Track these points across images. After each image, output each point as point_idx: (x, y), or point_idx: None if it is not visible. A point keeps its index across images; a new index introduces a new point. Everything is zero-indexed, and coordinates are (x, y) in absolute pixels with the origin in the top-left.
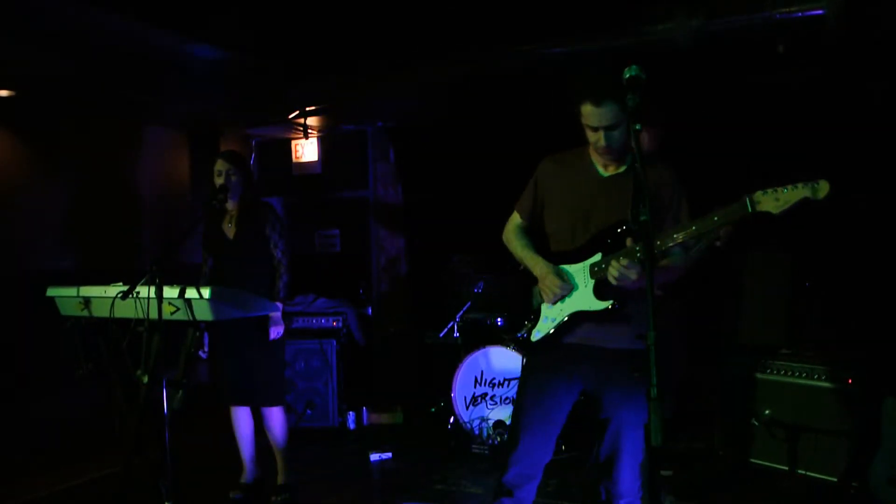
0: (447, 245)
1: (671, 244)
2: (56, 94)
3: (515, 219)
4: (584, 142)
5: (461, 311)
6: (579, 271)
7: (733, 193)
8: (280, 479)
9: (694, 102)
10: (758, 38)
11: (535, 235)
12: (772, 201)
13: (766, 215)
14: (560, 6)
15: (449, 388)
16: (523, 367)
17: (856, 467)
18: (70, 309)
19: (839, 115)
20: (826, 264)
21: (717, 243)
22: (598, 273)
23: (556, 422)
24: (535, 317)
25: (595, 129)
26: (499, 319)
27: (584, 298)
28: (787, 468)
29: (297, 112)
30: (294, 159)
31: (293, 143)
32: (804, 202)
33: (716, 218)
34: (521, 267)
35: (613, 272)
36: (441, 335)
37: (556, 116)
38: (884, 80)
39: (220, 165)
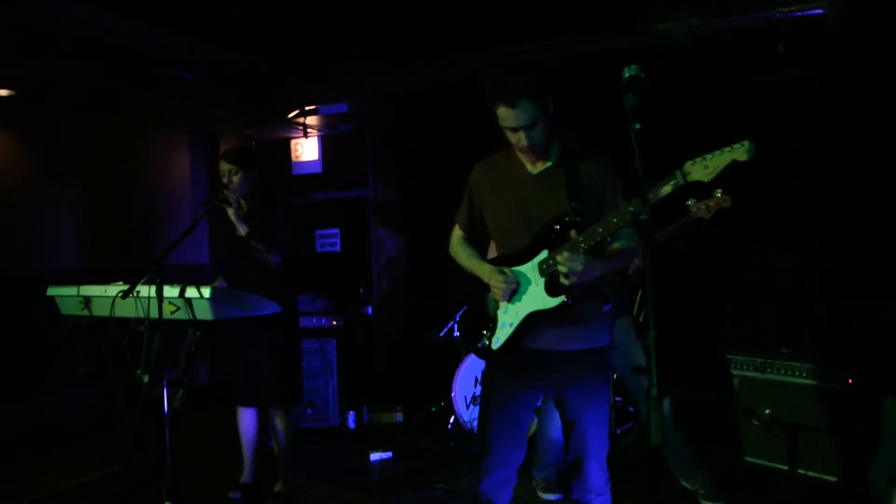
0: (447, 245)
1: (612, 229)
2: (56, 94)
3: (457, 232)
4: (583, 140)
5: (461, 311)
6: (529, 271)
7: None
8: (280, 481)
9: (693, 102)
10: (758, 37)
11: (480, 244)
12: (701, 170)
13: (699, 184)
14: (560, 6)
15: (449, 388)
16: (484, 374)
17: (856, 467)
18: (70, 308)
19: (839, 115)
20: (826, 264)
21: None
22: (546, 270)
23: (524, 424)
24: (492, 324)
25: (514, 130)
26: None
27: (537, 297)
28: (786, 468)
29: (297, 112)
30: (294, 159)
31: (293, 142)
32: (733, 165)
33: (650, 196)
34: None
35: (561, 267)
36: (441, 335)
37: (556, 116)
38: (883, 80)
39: (223, 167)
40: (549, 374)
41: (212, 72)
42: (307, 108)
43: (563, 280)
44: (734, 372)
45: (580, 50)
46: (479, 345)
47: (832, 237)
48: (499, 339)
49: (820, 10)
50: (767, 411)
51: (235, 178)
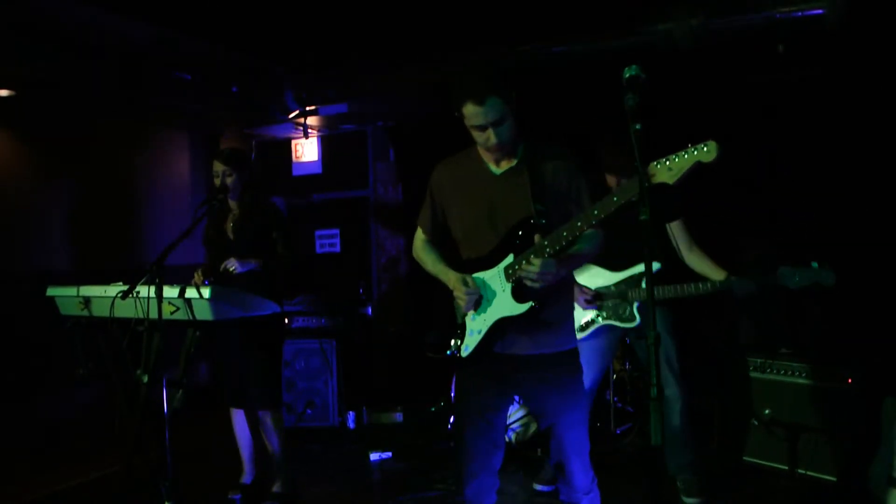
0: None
1: (577, 233)
2: (56, 94)
3: (420, 235)
4: (585, 138)
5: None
6: (494, 277)
7: (734, 195)
8: (277, 482)
9: (694, 102)
10: (758, 37)
11: (445, 246)
12: (665, 171)
13: (664, 186)
14: (560, 6)
15: (449, 388)
16: (456, 379)
17: (856, 467)
18: (70, 308)
19: (839, 115)
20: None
21: None
22: (512, 275)
23: (500, 427)
24: (461, 332)
25: (482, 128)
26: None
27: (505, 303)
28: (786, 468)
29: (297, 112)
30: (294, 159)
31: (293, 142)
32: (697, 167)
33: (615, 198)
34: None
35: (529, 273)
36: None
37: (555, 116)
38: (884, 80)
39: (217, 167)
40: (520, 379)
41: (212, 72)
42: (307, 108)
43: (528, 284)
44: (735, 372)
45: (580, 50)
46: (449, 353)
47: (832, 236)
48: (468, 346)
49: (820, 10)
50: (767, 411)
51: (229, 180)
